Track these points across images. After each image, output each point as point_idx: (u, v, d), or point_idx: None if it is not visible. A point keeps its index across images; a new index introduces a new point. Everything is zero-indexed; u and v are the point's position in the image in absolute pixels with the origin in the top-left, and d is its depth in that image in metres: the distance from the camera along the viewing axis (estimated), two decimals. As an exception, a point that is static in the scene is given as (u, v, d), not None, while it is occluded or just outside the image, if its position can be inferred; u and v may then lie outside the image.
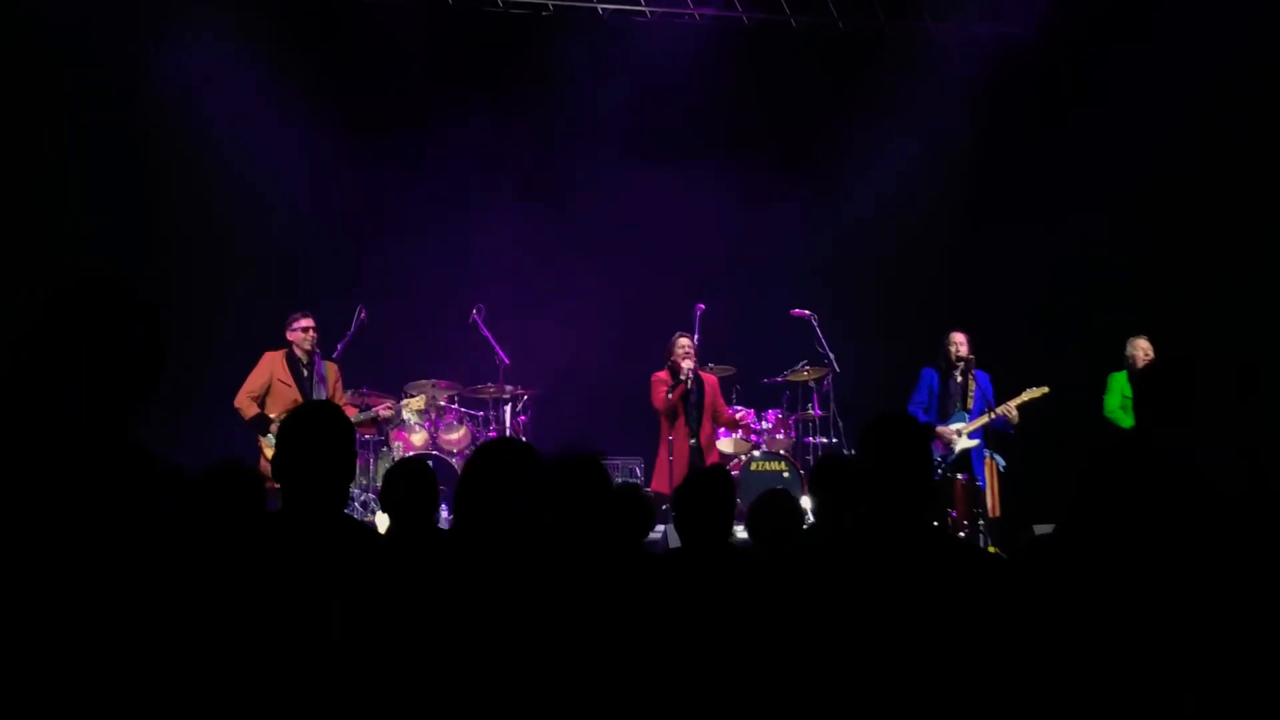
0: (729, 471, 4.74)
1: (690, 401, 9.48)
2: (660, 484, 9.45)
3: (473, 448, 10.47)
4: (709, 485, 4.33)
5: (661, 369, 9.67)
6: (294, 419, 3.28)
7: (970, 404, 9.76)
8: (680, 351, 9.47)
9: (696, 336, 10.21)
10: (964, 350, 9.80)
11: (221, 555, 2.19)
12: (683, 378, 9.37)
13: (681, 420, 9.46)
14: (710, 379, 9.79)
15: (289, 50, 11.21)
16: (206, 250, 11.03)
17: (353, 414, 9.32)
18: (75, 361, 2.13)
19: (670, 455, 9.49)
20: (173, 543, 2.02)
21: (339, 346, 9.71)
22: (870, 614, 3.03)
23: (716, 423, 9.84)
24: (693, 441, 9.44)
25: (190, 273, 10.84)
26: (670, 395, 9.38)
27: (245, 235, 11.15)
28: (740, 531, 7.22)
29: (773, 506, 4.82)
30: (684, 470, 9.30)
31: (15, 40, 10.27)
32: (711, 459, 9.54)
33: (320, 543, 3.03)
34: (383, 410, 9.85)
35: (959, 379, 9.82)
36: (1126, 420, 9.59)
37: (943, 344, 9.91)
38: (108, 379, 2.15)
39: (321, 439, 3.16)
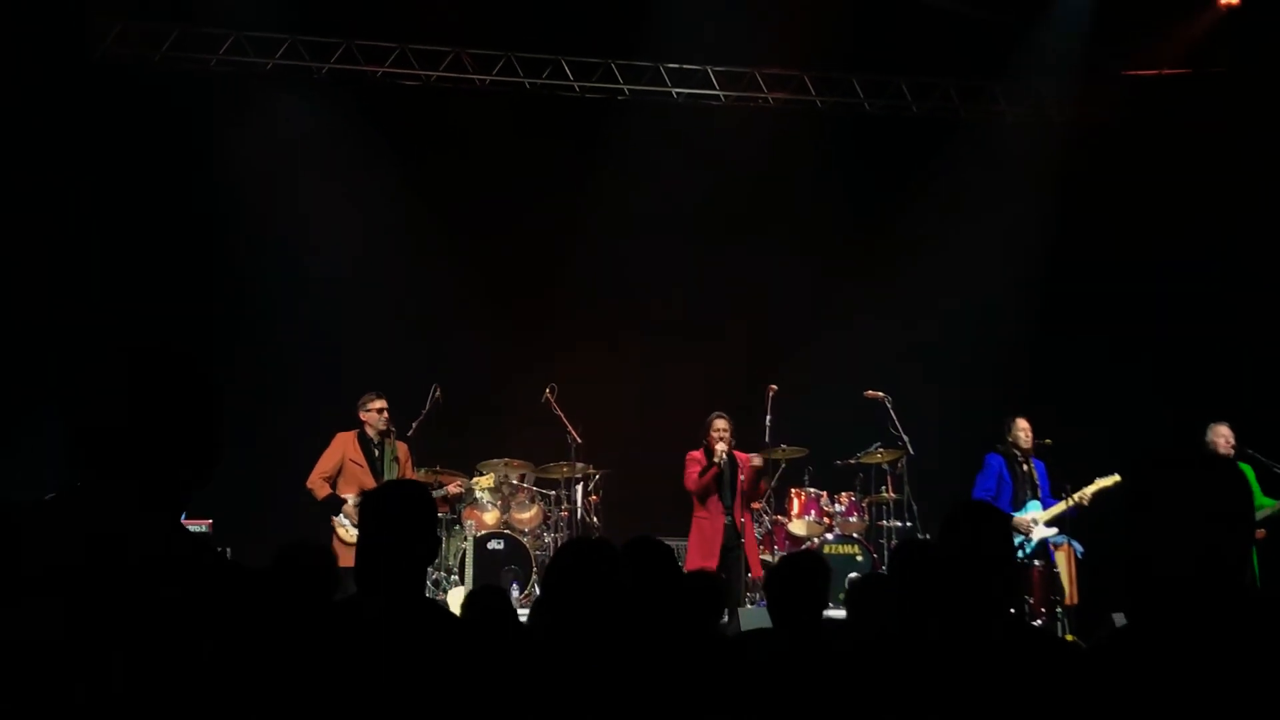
0: (823, 557, 4.58)
1: (724, 481, 9.32)
2: (693, 564, 9.20)
3: (544, 526, 10.49)
4: (802, 569, 4.25)
5: (697, 448, 9.51)
6: (376, 498, 3.26)
7: (1038, 491, 9.60)
8: (715, 434, 9.31)
9: (769, 418, 10.12)
10: (1031, 436, 9.63)
11: (291, 647, 2.00)
12: (716, 460, 9.20)
13: (715, 499, 9.29)
14: (744, 458, 9.61)
15: (365, 136, 11.53)
16: (281, 331, 11.21)
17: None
18: (134, 442, 1.91)
19: (702, 535, 9.30)
20: (234, 640, 1.84)
21: (414, 425, 9.78)
22: (948, 704, 2.98)
23: (748, 501, 9.60)
24: (727, 520, 9.28)
25: (265, 353, 11.02)
26: (702, 476, 9.24)
27: (319, 316, 11.35)
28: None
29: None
30: (717, 550, 9.16)
31: (85, 120, 10.61)
32: (748, 537, 9.36)
33: (399, 629, 2.96)
34: (453, 488, 9.92)
35: (1024, 466, 9.66)
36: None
37: (1008, 430, 9.68)
38: (170, 462, 1.94)
39: (404, 518, 3.09)
